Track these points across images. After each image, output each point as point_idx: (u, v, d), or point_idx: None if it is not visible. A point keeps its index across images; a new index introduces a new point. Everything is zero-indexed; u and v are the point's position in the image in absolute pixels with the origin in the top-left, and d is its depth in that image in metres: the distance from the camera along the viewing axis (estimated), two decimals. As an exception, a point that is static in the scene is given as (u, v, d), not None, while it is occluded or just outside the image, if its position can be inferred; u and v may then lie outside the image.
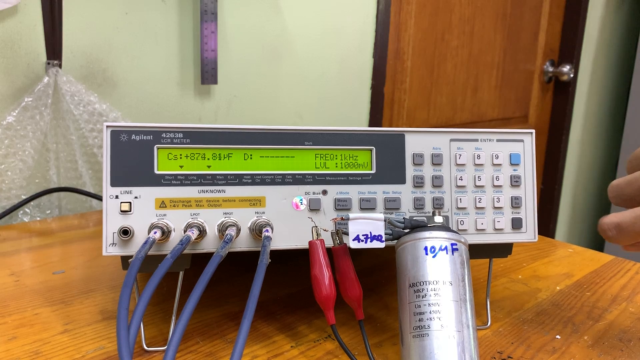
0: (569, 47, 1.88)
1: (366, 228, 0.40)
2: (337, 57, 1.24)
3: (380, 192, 0.47)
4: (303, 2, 1.14)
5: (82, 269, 0.61)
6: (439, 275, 0.37)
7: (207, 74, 1.00)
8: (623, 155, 2.00)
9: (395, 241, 0.41)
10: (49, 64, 0.83)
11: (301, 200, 0.45)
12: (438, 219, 0.41)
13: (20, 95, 0.81)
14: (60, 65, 0.84)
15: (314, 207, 0.45)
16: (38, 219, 0.84)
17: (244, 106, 1.10)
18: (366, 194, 0.46)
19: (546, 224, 2.00)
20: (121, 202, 0.42)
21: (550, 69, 1.87)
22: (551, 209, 2.00)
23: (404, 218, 0.41)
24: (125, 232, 0.42)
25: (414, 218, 0.42)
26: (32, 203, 0.83)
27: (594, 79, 2.03)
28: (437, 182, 0.48)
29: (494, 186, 0.49)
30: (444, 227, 0.40)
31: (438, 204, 0.47)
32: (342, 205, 0.45)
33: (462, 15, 1.52)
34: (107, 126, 0.43)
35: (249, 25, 1.07)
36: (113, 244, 0.42)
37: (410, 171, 0.47)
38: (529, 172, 0.50)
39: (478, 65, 1.60)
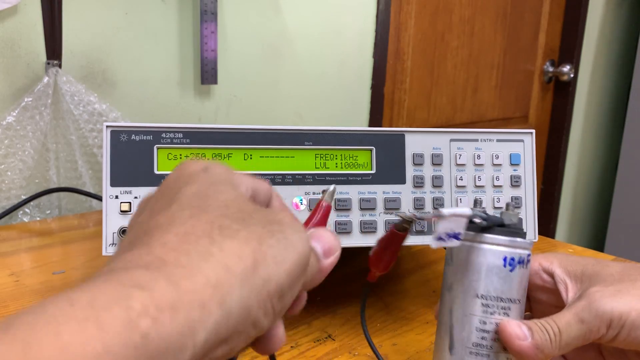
0: (569, 47, 1.88)
1: (450, 225, 0.34)
2: (337, 57, 1.24)
3: (380, 192, 0.47)
4: (303, 2, 1.14)
5: (82, 269, 0.61)
6: (512, 292, 0.34)
7: (207, 74, 1.00)
8: (623, 155, 2.00)
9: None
10: (48, 64, 0.83)
11: (301, 200, 0.45)
12: (514, 218, 0.35)
13: (20, 95, 0.81)
14: (60, 65, 0.84)
15: (314, 207, 0.45)
16: (38, 219, 0.84)
17: (244, 106, 1.10)
18: (366, 194, 0.46)
19: (546, 224, 2.00)
20: (121, 202, 0.42)
21: (550, 69, 1.87)
22: (551, 209, 2.00)
23: (486, 213, 0.35)
24: (125, 232, 0.42)
25: (490, 214, 0.36)
26: (32, 203, 0.83)
27: (594, 79, 2.03)
28: (437, 182, 0.48)
29: (494, 186, 0.49)
30: (522, 231, 0.35)
31: (438, 204, 0.47)
32: (342, 205, 0.45)
33: (462, 15, 1.52)
34: (107, 126, 0.43)
35: (249, 25, 1.07)
36: (113, 244, 0.42)
37: (410, 171, 0.47)
38: (529, 172, 0.50)
39: (478, 65, 1.60)
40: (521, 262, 0.34)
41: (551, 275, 0.36)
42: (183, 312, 0.19)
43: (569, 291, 0.35)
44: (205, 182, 0.25)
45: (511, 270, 0.34)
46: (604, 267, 0.35)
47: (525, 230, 0.39)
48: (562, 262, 0.36)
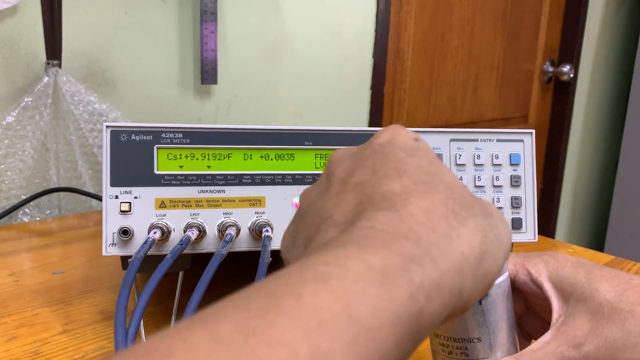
0: (569, 47, 1.88)
1: None
2: (337, 57, 1.24)
3: (380, 192, 0.46)
4: (303, 2, 1.14)
5: (82, 269, 0.61)
6: (465, 332, 0.32)
7: (207, 74, 1.00)
8: (623, 155, 2.00)
9: None
10: (48, 64, 0.83)
11: (301, 200, 0.45)
12: None
13: (20, 96, 0.81)
14: (60, 65, 0.84)
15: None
16: (38, 219, 0.84)
17: (244, 106, 1.10)
18: (366, 194, 0.46)
19: (546, 224, 2.00)
20: (121, 202, 0.42)
21: (550, 69, 1.87)
22: (551, 209, 2.00)
23: None
24: (125, 232, 0.42)
25: None
26: (32, 203, 0.83)
27: (594, 79, 2.03)
28: (437, 182, 0.48)
29: (494, 186, 0.49)
30: None
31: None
32: (342, 205, 0.45)
33: (462, 15, 1.52)
34: (107, 126, 0.43)
35: (249, 25, 1.07)
36: (113, 244, 0.42)
37: (410, 171, 0.47)
38: (529, 172, 0.50)
39: (478, 65, 1.60)
40: None
41: (540, 287, 0.34)
42: (442, 293, 0.20)
43: (554, 312, 0.32)
44: (425, 156, 0.25)
45: None
46: (595, 289, 0.31)
47: None
48: (552, 274, 0.33)
